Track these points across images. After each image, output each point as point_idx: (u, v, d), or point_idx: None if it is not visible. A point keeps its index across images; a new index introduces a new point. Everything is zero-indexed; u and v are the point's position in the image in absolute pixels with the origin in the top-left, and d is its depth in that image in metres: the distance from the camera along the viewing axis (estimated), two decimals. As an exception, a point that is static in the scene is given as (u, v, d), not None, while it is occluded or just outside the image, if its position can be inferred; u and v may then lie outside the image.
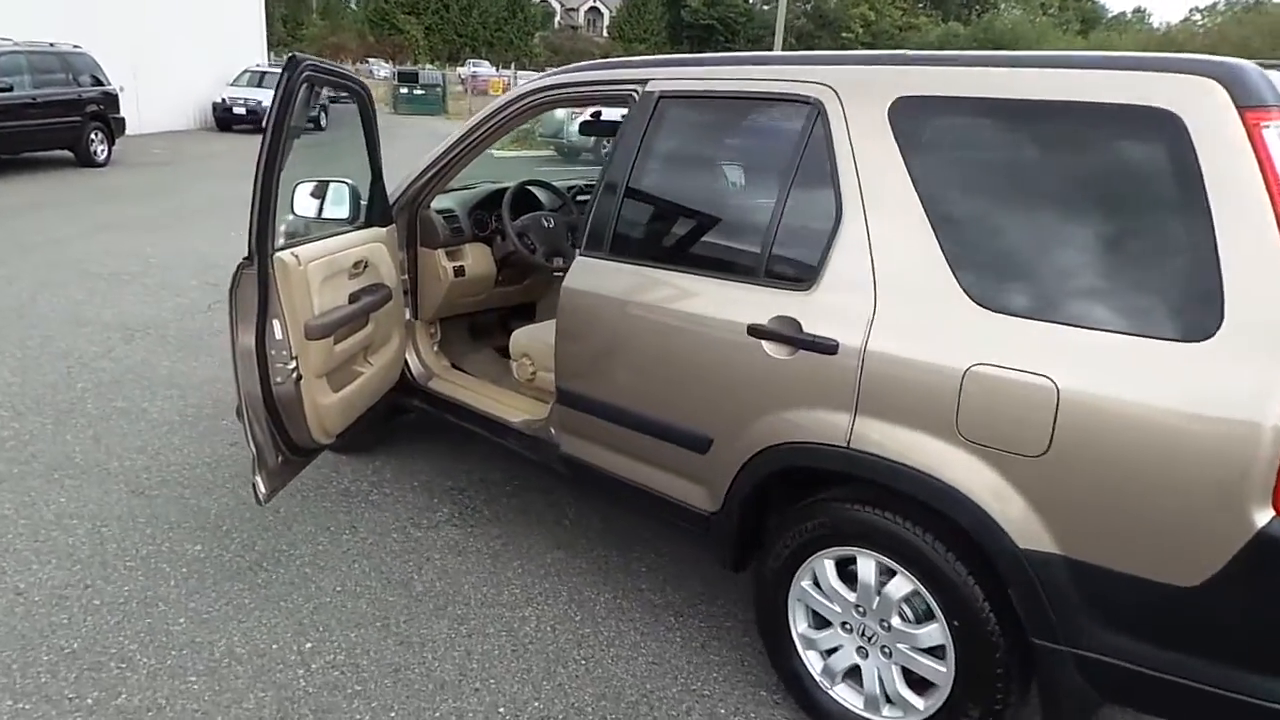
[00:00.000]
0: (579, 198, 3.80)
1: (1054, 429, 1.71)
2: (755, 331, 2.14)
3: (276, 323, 2.36)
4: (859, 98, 2.09)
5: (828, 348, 2.01)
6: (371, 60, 42.04)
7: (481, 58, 45.56)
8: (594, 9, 64.28)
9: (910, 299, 1.93)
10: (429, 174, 3.14)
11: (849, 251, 2.03)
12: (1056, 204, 1.82)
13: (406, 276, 3.32)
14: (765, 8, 57.24)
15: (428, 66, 36.24)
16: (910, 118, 2.00)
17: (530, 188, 3.65)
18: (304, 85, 2.32)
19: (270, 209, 2.28)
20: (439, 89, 28.90)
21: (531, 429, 2.91)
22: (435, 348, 3.49)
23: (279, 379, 2.40)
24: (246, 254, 2.31)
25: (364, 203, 2.98)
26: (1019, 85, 1.86)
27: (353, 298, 2.74)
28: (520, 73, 34.99)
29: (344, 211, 2.90)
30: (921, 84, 2.01)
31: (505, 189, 3.53)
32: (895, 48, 40.57)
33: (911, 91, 2.01)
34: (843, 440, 2.00)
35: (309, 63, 2.33)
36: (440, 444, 3.79)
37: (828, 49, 31.26)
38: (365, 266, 2.85)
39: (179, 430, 3.88)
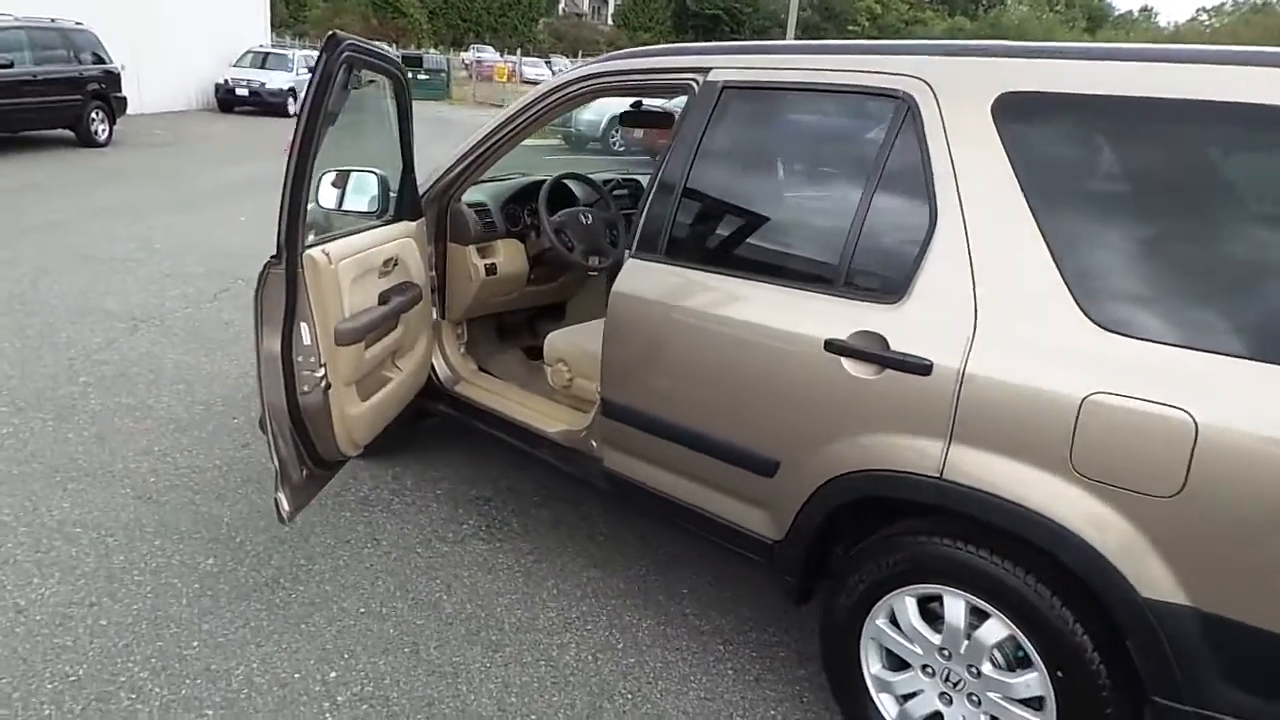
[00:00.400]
0: (615, 192, 3.60)
1: (1189, 468, 1.53)
2: (834, 347, 1.95)
3: (304, 327, 2.16)
4: (957, 93, 1.90)
5: (920, 368, 1.82)
6: (376, 43, 41.56)
7: (485, 43, 45.16)
8: (599, -4, 63.77)
9: (1017, 317, 1.74)
10: (462, 165, 2.94)
11: (944, 263, 1.84)
12: (1196, 216, 1.63)
13: (434, 273, 3.12)
14: (771, -1, 56.82)
15: (432, 51, 35.87)
16: (1018, 116, 1.81)
17: (565, 181, 3.45)
18: (343, 67, 2.11)
19: (302, 203, 2.08)
20: (444, 74, 28.57)
21: (570, 440, 2.72)
22: (462, 349, 3.30)
23: (306, 388, 2.21)
24: (274, 252, 2.11)
25: (393, 195, 2.78)
26: (1151, 82, 1.67)
27: (382, 298, 2.54)
28: (525, 59, 34.65)
29: (371, 204, 2.70)
30: (1031, 79, 1.81)
31: (540, 182, 3.33)
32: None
33: (1020, 87, 1.82)
34: (934, 470, 1.82)
35: (349, 42, 2.12)
36: (463, 449, 3.60)
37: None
38: (395, 264, 2.65)
39: (187, 430, 3.69)
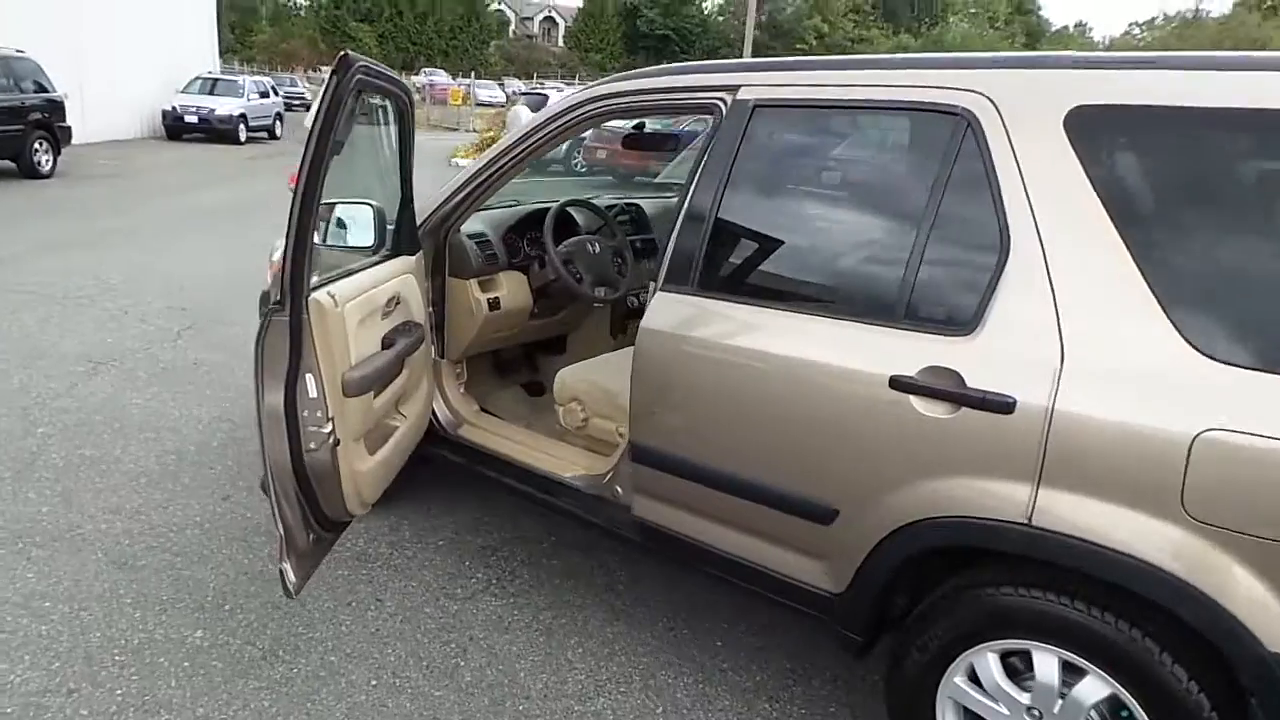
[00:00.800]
0: (619, 219, 3.43)
1: (1320, 511, 1.40)
2: (901, 385, 1.80)
3: (310, 378, 1.95)
4: (1024, 108, 1.77)
5: (1001, 405, 1.68)
6: (324, 68, 41.09)
7: (436, 66, 44.85)
8: (549, 19, 63.87)
9: (1109, 346, 1.61)
10: (462, 194, 2.75)
11: (1021, 289, 1.70)
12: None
13: (431, 309, 2.92)
14: (721, 19, 57.45)
15: (383, 75, 35.43)
16: (1095, 130, 1.68)
17: (568, 209, 3.27)
18: (354, 92, 1.92)
19: (308, 242, 1.88)
20: (396, 98, 28.18)
21: (593, 487, 2.53)
22: (462, 389, 3.09)
23: (313, 445, 2.00)
24: (276, 298, 1.90)
25: (390, 228, 2.58)
26: (1245, 92, 1.55)
27: (386, 340, 2.34)
28: (478, 81, 34.44)
29: (366, 237, 2.49)
30: (1107, 90, 1.69)
31: (543, 210, 3.15)
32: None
33: (1095, 100, 1.69)
34: (1021, 516, 1.67)
35: (361, 64, 1.93)
36: (461, 493, 3.38)
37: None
38: (397, 303, 2.45)
39: (160, 483, 3.42)
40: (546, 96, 16.80)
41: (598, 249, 3.01)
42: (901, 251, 1.87)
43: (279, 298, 1.88)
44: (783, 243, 2.14)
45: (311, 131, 1.84)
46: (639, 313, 3.44)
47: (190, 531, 3.07)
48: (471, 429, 2.94)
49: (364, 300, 2.18)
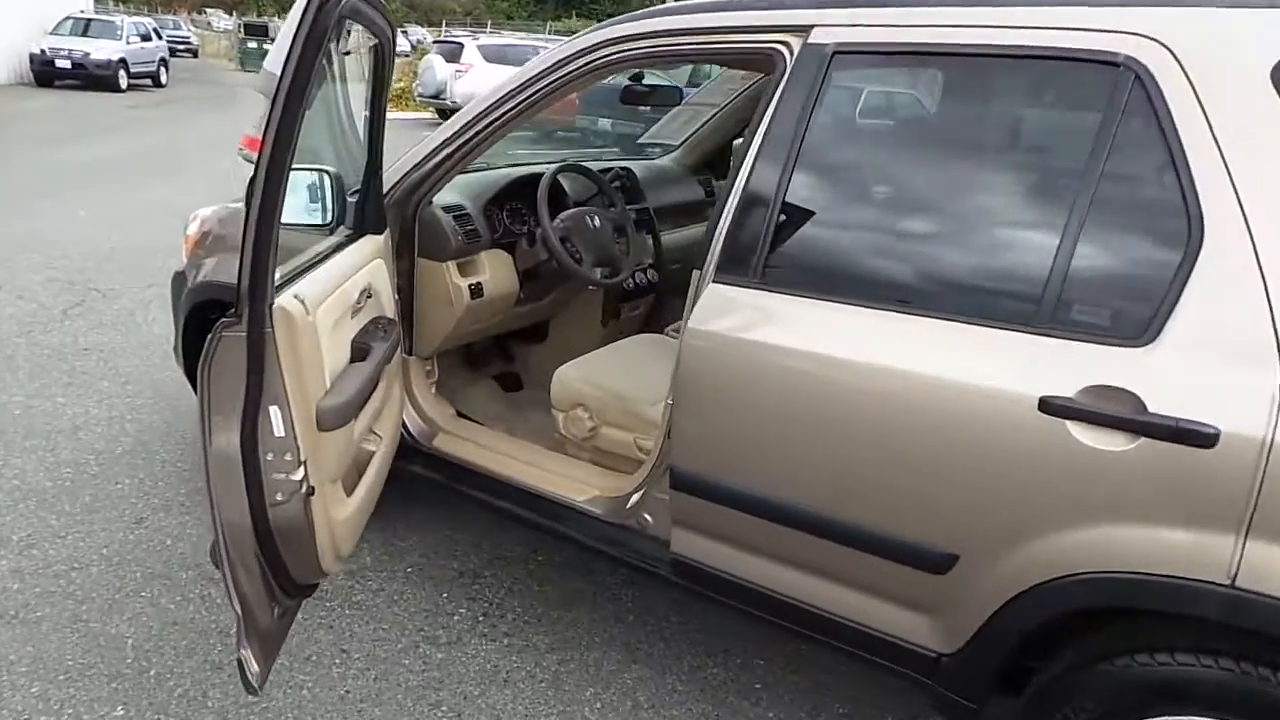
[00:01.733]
0: (614, 183, 2.95)
1: None
2: (1056, 408, 1.42)
3: (276, 412, 1.45)
4: (1212, 57, 1.39)
5: (1200, 437, 1.32)
6: (210, 10, 38.24)
7: (334, 12, 42.23)
8: (452, -36, 61.13)
9: (1346, 366, 1.27)
10: (438, 159, 2.23)
11: (1221, 287, 1.35)
12: None
13: (398, 298, 2.41)
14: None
15: (277, 19, 33.21)
16: (1320, 87, 1.32)
17: (560, 175, 2.76)
18: (338, 23, 1.40)
19: (274, 231, 1.36)
20: (293, 45, 26.37)
21: (614, 514, 2.10)
22: (434, 390, 2.59)
23: (280, 496, 1.50)
24: (231, 308, 1.38)
25: (351, 200, 2.06)
26: None
27: (358, 346, 1.84)
28: (381, 30, 32.52)
29: (322, 212, 1.97)
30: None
31: (530, 176, 2.65)
32: None
33: (1317, 47, 1.33)
34: (1222, 575, 1.33)
35: (346, -5, 1.40)
36: (424, 506, 2.90)
37: None
38: (368, 297, 1.94)
39: (54, 504, 2.82)
40: (461, 45, 15.87)
41: (597, 223, 2.54)
42: (1047, 238, 1.48)
43: (233, 307, 1.36)
44: (882, 226, 1.73)
45: (281, 78, 1.32)
46: (635, 295, 3.02)
47: (96, 568, 2.51)
48: (449, 439, 2.45)
49: (336, 300, 1.68)
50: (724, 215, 1.81)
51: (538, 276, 2.62)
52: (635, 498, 2.08)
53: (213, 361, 1.40)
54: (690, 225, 3.34)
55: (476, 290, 2.41)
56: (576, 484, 2.23)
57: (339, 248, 1.90)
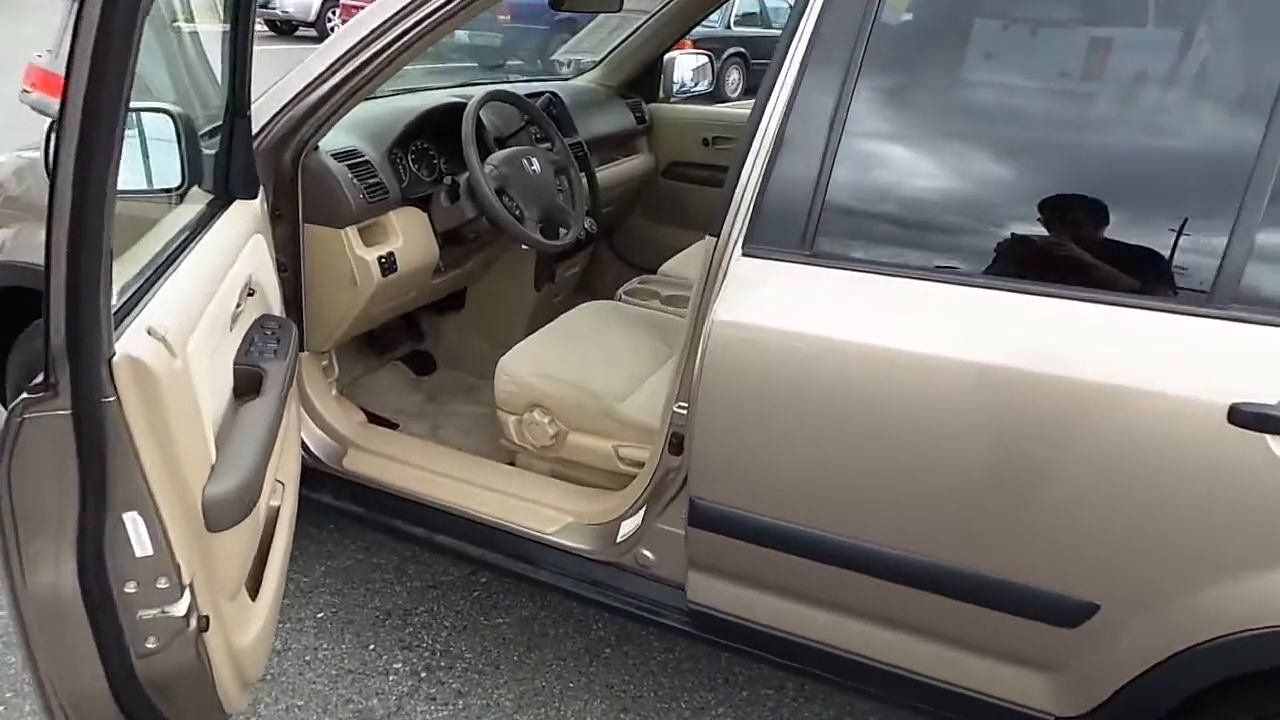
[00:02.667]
0: (552, 111, 2.36)
1: None
2: (1250, 418, 1.06)
3: (134, 520, 0.89)
4: None
5: None
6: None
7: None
8: None
9: None
10: (326, 88, 1.62)
11: None
12: None
13: (280, 278, 1.81)
14: None
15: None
16: None
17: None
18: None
19: (106, 234, 0.79)
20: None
21: (604, 550, 1.64)
22: (335, 393, 2.02)
23: (153, 642, 0.95)
24: (41, 374, 0.80)
25: (207, 152, 1.44)
26: None
27: (244, 373, 1.27)
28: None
29: (168, 170, 1.36)
30: None
31: (443, 107, 2.05)
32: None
33: None
34: None
35: None
36: (330, 537, 2.35)
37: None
38: (251, 294, 1.36)
39: None
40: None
41: (536, 167, 1.98)
42: (1222, 177, 1.10)
43: (44, 371, 0.79)
44: (998, 167, 1.28)
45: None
46: (572, 250, 2.49)
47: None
48: (364, 458, 1.90)
49: (212, 316, 1.10)
50: (750, 162, 1.33)
51: (460, 239, 2.05)
52: (628, 527, 1.63)
53: (17, 459, 0.83)
54: (621, 159, 2.83)
55: (388, 263, 1.83)
56: (542, 509, 1.74)
57: (201, 226, 1.30)
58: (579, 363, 1.87)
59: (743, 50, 10.11)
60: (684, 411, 1.44)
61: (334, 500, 1.90)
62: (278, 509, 1.41)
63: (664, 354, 1.98)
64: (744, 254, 1.33)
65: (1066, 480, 1.18)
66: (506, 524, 1.74)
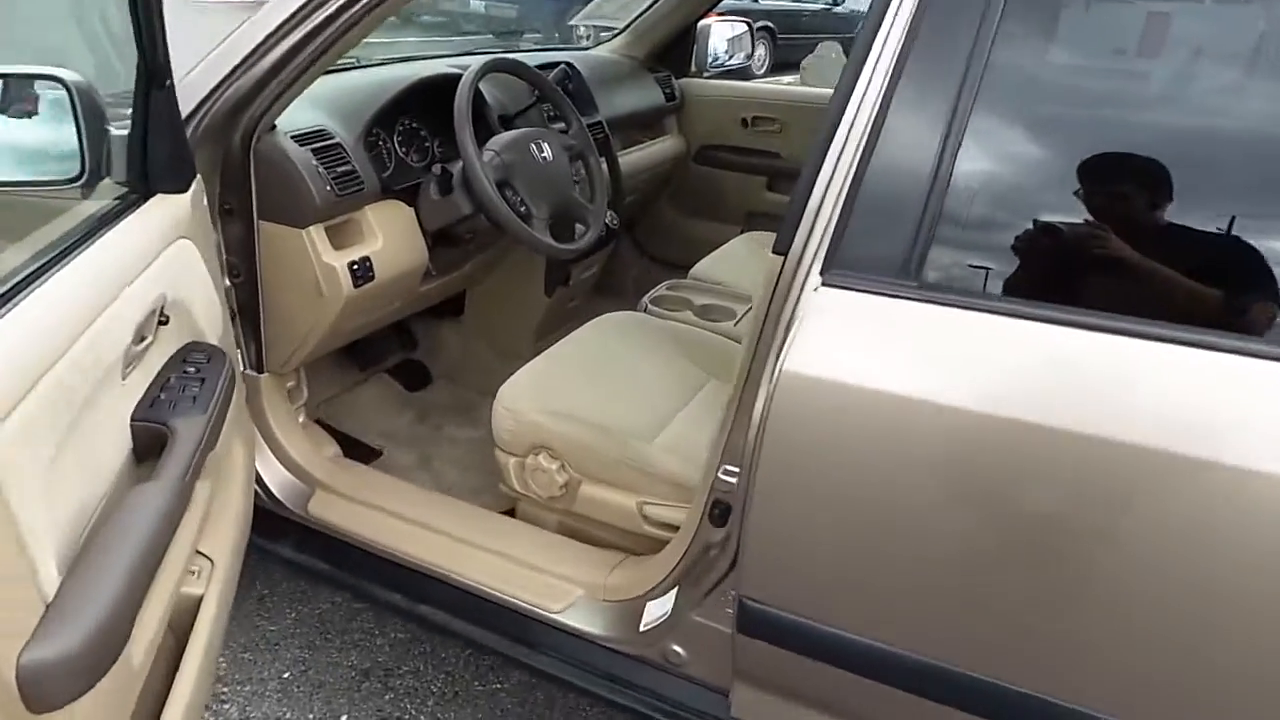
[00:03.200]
0: (567, 85, 2.00)
1: None
2: None
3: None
4: None
5: None
6: None
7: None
8: None
9: None
10: (281, 51, 1.28)
11: None
12: None
13: (232, 285, 1.48)
14: None
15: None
16: None
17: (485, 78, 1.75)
18: None
19: None
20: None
21: (623, 638, 1.31)
22: (303, 420, 1.69)
23: None
24: None
25: (113, 132, 1.10)
26: None
27: (145, 432, 0.94)
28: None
29: (61, 159, 1.04)
30: None
31: (436, 79, 1.70)
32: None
33: None
34: None
35: None
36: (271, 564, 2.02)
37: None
38: (164, 322, 1.03)
39: None
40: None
41: (547, 153, 1.63)
42: None
43: None
44: (1190, 187, 0.92)
45: None
46: (592, 251, 2.13)
47: None
48: (334, 502, 1.57)
49: (75, 369, 0.77)
50: (831, 161, 0.98)
51: (454, 240, 1.70)
52: (655, 611, 1.30)
53: None
54: (647, 141, 2.47)
55: (362, 270, 1.49)
56: (547, 579, 1.41)
57: (88, 233, 0.96)
58: (595, 393, 1.53)
59: (770, 24, 9.61)
60: (733, 480, 1.10)
61: (295, 554, 1.58)
62: (199, 599, 1.08)
63: (698, 380, 1.64)
64: (824, 282, 0.98)
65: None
66: (502, 595, 1.41)
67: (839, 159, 0.98)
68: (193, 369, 1.08)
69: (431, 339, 2.19)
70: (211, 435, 1.01)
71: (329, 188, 1.43)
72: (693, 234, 2.63)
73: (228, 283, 1.49)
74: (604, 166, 1.79)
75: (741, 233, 2.50)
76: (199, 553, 1.15)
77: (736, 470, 1.12)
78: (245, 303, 1.51)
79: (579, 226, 1.71)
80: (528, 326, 2.09)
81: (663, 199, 2.66)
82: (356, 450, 1.86)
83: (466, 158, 1.49)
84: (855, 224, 0.97)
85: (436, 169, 1.54)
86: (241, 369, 1.56)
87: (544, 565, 1.43)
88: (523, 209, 1.56)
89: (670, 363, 1.67)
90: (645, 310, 1.93)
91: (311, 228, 1.43)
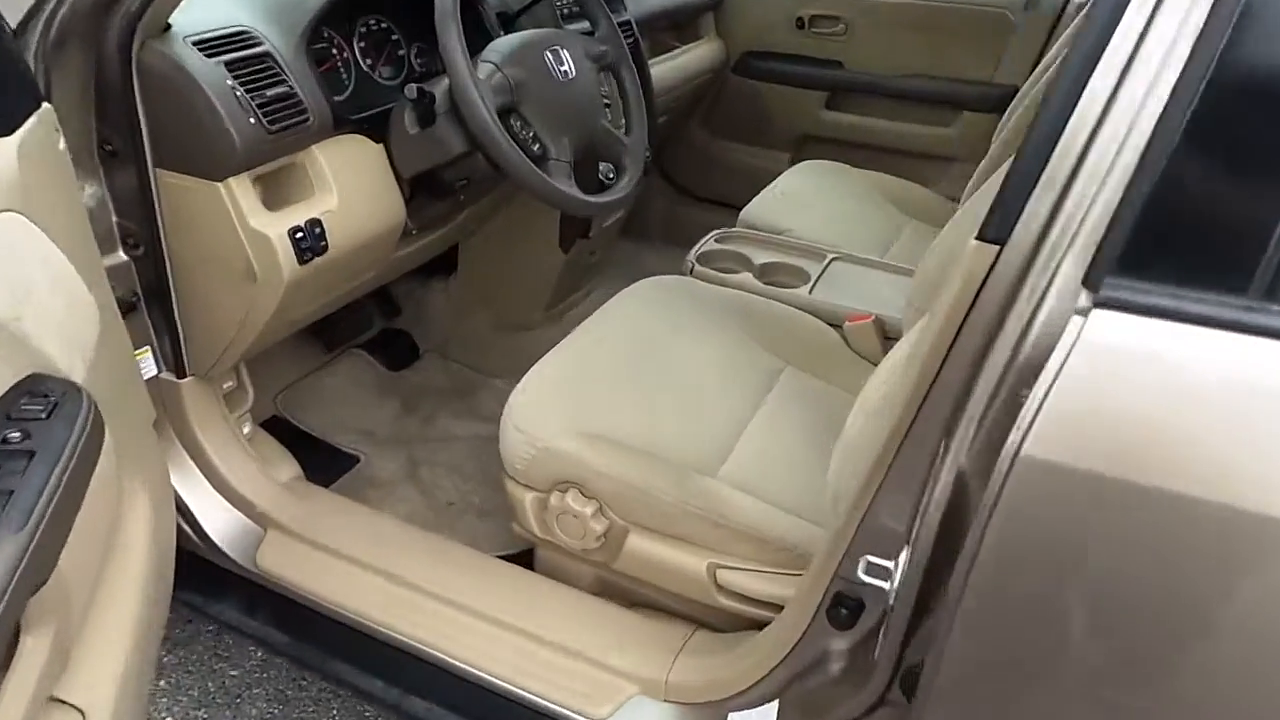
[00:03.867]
0: None
1: None
2: None
3: None
4: None
5: None
6: None
7: None
8: None
9: None
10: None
11: None
12: None
13: (133, 261, 1.05)
14: None
15: None
16: None
17: None
18: None
19: None
20: None
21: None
22: (247, 427, 1.27)
23: None
24: None
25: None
26: None
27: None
28: None
29: None
30: None
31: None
32: None
33: None
34: None
35: None
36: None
37: None
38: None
39: None
40: None
41: (568, 65, 1.15)
42: None
43: None
44: None
45: None
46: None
47: None
48: (289, 546, 1.16)
49: None
50: (1100, 106, 0.54)
51: (443, 188, 1.23)
52: (740, 730, 0.91)
53: None
54: (680, 49, 1.98)
55: (310, 239, 1.04)
56: (584, 667, 1.02)
57: None
58: (639, 402, 1.11)
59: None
60: (881, 583, 0.71)
61: (243, 617, 1.18)
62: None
63: (770, 370, 1.23)
64: (1097, 301, 0.55)
65: None
66: (523, 693, 1.02)
67: (1121, 81, 0.54)
68: (17, 434, 0.66)
69: (417, 303, 1.75)
70: (39, 561, 0.60)
71: (254, 120, 0.98)
72: (731, 162, 2.17)
73: (123, 256, 1.05)
74: (639, 85, 1.33)
75: (792, 161, 2.04)
76: (60, 702, 0.75)
77: (887, 566, 0.72)
78: (152, 283, 1.08)
79: (609, 170, 1.26)
80: (538, 290, 1.65)
81: (695, 119, 2.18)
82: (324, 458, 1.45)
83: (456, 74, 1.03)
84: (1168, 203, 0.54)
85: (412, 90, 1.07)
86: (156, 371, 1.14)
87: (580, 647, 1.04)
88: (536, 146, 1.10)
89: (734, 348, 1.25)
90: (692, 271, 1.49)
91: (231, 179, 0.98)
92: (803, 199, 1.75)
